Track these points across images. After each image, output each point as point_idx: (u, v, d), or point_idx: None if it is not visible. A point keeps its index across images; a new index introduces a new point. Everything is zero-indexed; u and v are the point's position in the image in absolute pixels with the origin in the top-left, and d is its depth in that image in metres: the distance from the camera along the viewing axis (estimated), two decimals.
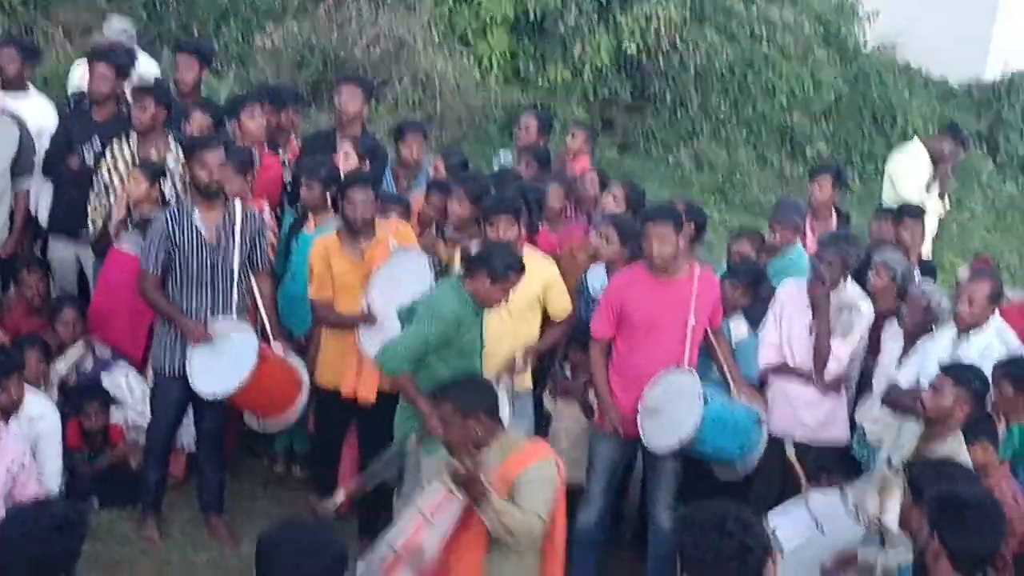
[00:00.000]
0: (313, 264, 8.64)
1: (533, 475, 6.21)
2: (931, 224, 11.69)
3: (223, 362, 8.25)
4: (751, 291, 8.68)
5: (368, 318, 8.35)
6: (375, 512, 8.80)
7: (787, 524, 7.11)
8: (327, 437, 8.73)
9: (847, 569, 6.90)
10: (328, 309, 8.63)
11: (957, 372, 7.12)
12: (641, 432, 8.05)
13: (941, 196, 12.19)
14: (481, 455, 6.21)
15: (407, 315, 7.85)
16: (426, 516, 6.14)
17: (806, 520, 7.10)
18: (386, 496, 8.51)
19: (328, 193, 9.10)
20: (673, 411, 7.95)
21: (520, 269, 7.71)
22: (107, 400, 8.90)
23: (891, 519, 6.79)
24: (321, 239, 8.73)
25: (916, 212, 10.01)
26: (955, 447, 6.85)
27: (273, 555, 4.13)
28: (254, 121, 9.70)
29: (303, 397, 8.61)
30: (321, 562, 4.19)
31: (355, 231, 8.54)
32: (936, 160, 12.03)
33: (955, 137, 12.27)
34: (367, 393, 8.37)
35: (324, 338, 8.71)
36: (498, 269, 7.60)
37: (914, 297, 8.46)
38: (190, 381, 8.32)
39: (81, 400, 8.84)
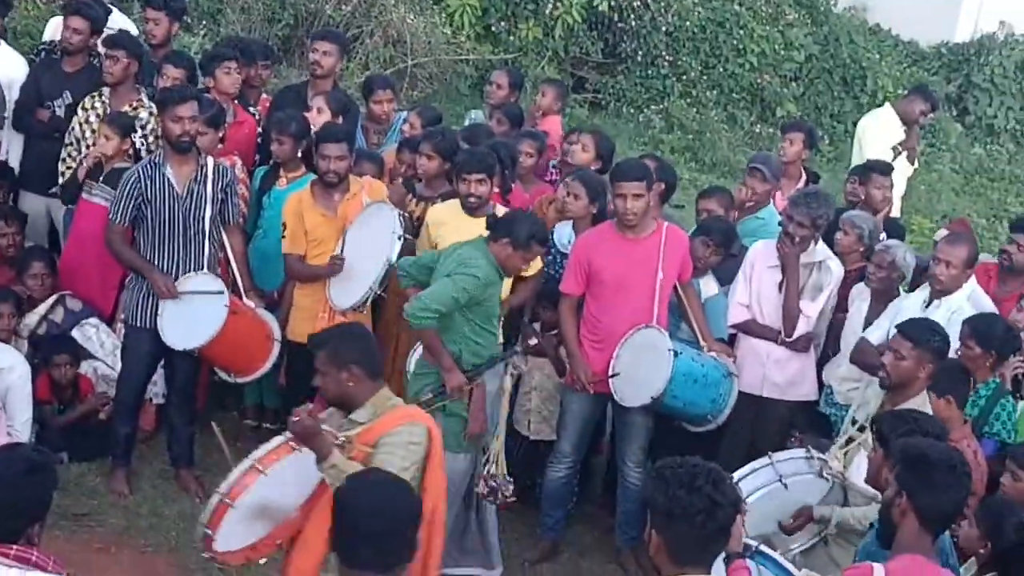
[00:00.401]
0: (286, 219, 8.64)
1: (395, 438, 5.86)
2: (899, 185, 11.71)
3: (194, 315, 8.25)
4: (722, 250, 8.70)
5: (336, 266, 8.37)
6: None
7: (750, 478, 7.15)
8: (298, 391, 8.72)
9: (803, 524, 6.97)
10: (300, 262, 8.64)
11: (915, 333, 7.02)
12: (612, 388, 8.10)
13: (911, 159, 12.20)
14: (356, 411, 5.99)
15: (415, 269, 7.92)
16: (257, 465, 5.88)
17: (770, 475, 7.14)
18: None
19: (299, 148, 9.10)
20: (644, 367, 7.99)
21: (544, 240, 7.74)
22: (77, 353, 8.88)
23: (855, 477, 6.87)
24: (295, 194, 8.74)
25: (884, 168, 10.09)
26: (919, 404, 6.86)
27: (349, 500, 4.07)
28: (229, 77, 9.66)
29: (274, 351, 8.62)
30: (398, 504, 4.15)
31: (329, 185, 8.54)
32: (907, 122, 12.03)
33: (925, 98, 12.23)
34: None
35: (296, 293, 8.73)
36: (521, 237, 7.60)
37: (879, 254, 8.48)
38: (161, 334, 8.31)
39: (51, 352, 8.81)
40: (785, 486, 7.02)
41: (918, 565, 4.99)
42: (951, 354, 7.58)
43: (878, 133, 12.03)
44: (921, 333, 7.02)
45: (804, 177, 10.64)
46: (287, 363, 8.80)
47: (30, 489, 4.51)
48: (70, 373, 8.83)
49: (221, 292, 8.34)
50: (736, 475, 7.05)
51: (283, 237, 8.71)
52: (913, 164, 12.34)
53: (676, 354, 7.96)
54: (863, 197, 9.70)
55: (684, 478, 4.49)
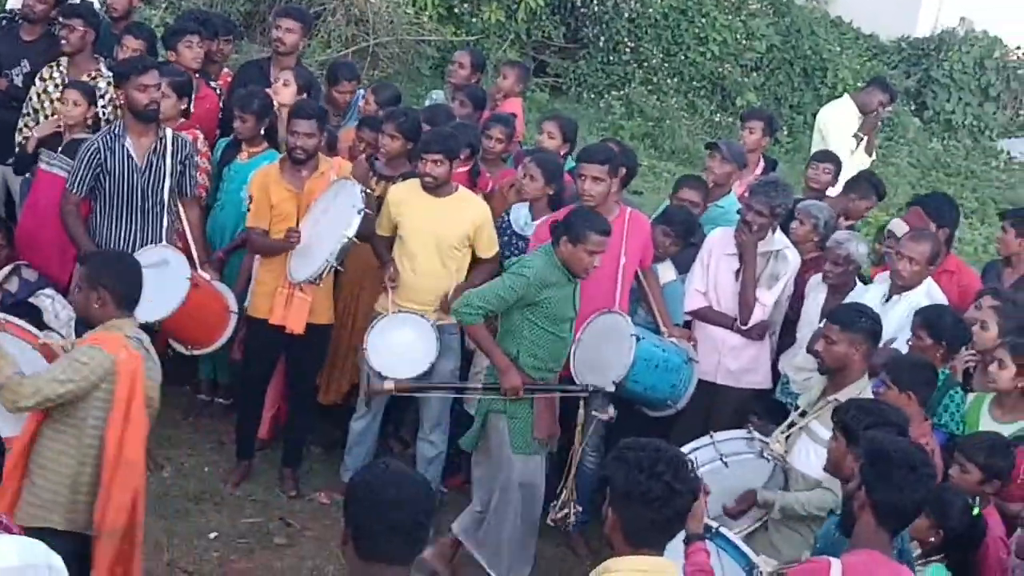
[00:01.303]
0: (252, 192, 8.59)
1: (73, 353, 6.08)
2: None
3: (155, 288, 8.20)
4: (682, 240, 8.73)
5: (292, 238, 8.31)
6: (299, 444, 8.90)
7: (691, 456, 7.16)
8: (254, 367, 8.72)
9: (747, 509, 7.02)
10: (261, 236, 8.58)
11: (844, 317, 7.09)
12: (574, 373, 8.09)
13: (868, 151, 12.27)
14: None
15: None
16: None
17: (711, 454, 7.17)
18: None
19: (262, 126, 9.07)
20: (606, 352, 8.00)
21: (604, 231, 7.63)
22: (39, 322, 8.82)
23: (797, 461, 6.92)
24: (262, 168, 8.70)
25: (823, 156, 10.35)
26: (861, 390, 6.91)
27: (370, 493, 4.06)
28: (191, 51, 9.60)
29: (231, 323, 8.60)
30: (419, 495, 4.14)
31: (296, 162, 8.49)
32: (865, 113, 12.13)
33: (884, 90, 12.34)
34: (295, 324, 8.38)
35: (260, 268, 8.69)
36: (577, 231, 7.53)
37: (832, 251, 8.51)
38: None
39: None
40: (726, 464, 7.11)
41: (875, 561, 5.02)
42: (903, 347, 7.67)
43: (840, 123, 12.12)
44: (848, 316, 7.10)
45: (762, 164, 10.67)
46: (245, 337, 8.76)
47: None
48: None
49: (182, 265, 8.29)
50: None
51: (247, 210, 8.68)
52: (871, 156, 12.40)
53: (638, 339, 7.97)
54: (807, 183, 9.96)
55: (645, 462, 4.52)
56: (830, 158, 10.33)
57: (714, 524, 5.99)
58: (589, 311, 8.07)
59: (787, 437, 7.10)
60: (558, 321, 7.73)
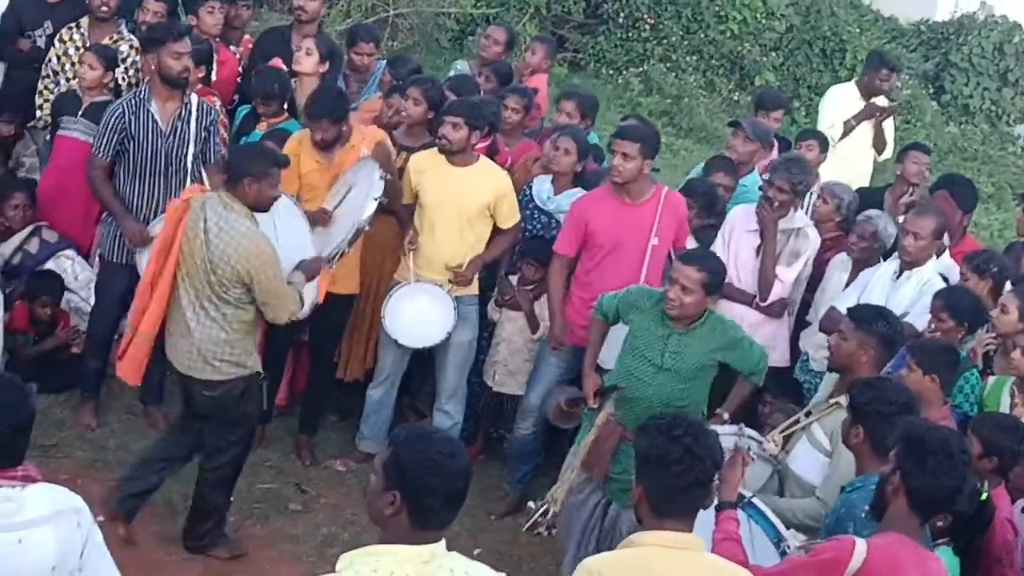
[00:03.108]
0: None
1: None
2: (864, 167, 11.57)
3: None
4: (705, 212, 8.73)
5: (323, 219, 8.22)
6: (316, 412, 8.89)
7: None
8: (277, 332, 8.68)
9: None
10: None
11: (862, 315, 6.94)
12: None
13: (879, 148, 11.66)
14: None
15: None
16: None
17: None
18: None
19: (283, 103, 9.11)
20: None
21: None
22: (61, 286, 8.85)
23: (796, 465, 6.82)
24: (296, 135, 8.62)
25: (807, 134, 10.41)
26: None
27: (434, 467, 4.07)
28: (212, 16, 9.61)
29: None
30: (467, 462, 4.18)
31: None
32: (872, 93, 11.63)
33: (880, 64, 11.68)
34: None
35: None
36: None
37: (861, 225, 8.52)
38: (140, 271, 8.19)
39: (38, 289, 8.81)
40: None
41: (902, 544, 4.99)
42: (923, 327, 7.65)
43: (831, 106, 11.66)
44: (866, 315, 6.94)
45: (776, 145, 10.55)
46: None
47: (27, 410, 4.50)
48: (52, 308, 8.82)
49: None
50: None
51: None
52: (881, 152, 11.83)
53: None
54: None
55: (664, 427, 4.58)
56: (814, 135, 10.30)
57: (748, 493, 5.95)
58: (614, 287, 8.01)
59: (786, 437, 6.95)
60: (635, 355, 7.28)
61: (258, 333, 8.72)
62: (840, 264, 8.61)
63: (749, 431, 6.99)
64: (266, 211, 7.25)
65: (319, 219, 8.21)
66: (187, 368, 7.27)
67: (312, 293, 7.71)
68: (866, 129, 11.50)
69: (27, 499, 4.39)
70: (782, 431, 6.96)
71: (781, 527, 5.98)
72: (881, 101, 11.57)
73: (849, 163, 11.07)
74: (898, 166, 9.93)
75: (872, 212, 8.71)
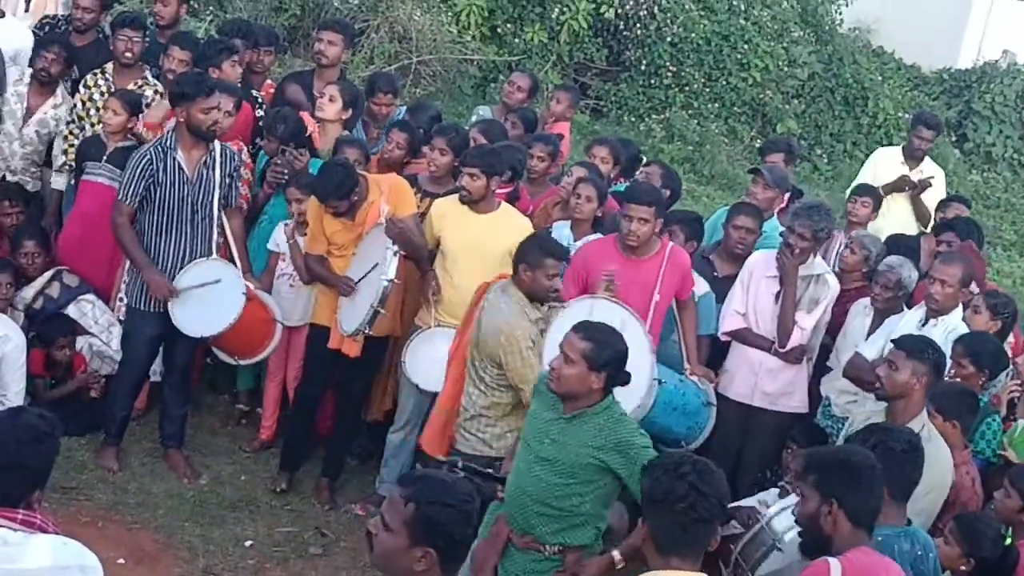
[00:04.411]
0: (308, 219, 8.59)
1: None
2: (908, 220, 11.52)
3: (209, 302, 8.22)
4: (694, 242, 8.94)
5: (345, 290, 8.32)
6: (299, 448, 8.93)
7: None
8: (315, 376, 8.68)
9: None
10: (319, 263, 8.59)
11: (911, 345, 6.93)
12: None
13: (923, 222, 11.35)
14: None
15: None
16: None
17: (765, 539, 6.74)
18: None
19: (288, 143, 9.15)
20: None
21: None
22: (75, 332, 8.87)
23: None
24: (314, 199, 8.59)
25: (862, 190, 10.36)
26: (919, 425, 6.69)
27: (459, 514, 4.09)
28: (235, 69, 9.64)
29: (277, 333, 8.66)
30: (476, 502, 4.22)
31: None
32: (915, 156, 11.55)
33: (920, 123, 11.83)
34: (351, 348, 8.35)
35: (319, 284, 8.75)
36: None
37: (884, 275, 8.50)
38: (174, 321, 8.28)
39: (50, 332, 8.81)
40: (780, 550, 6.57)
41: (867, 555, 5.09)
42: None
43: (872, 170, 11.73)
44: (916, 344, 6.95)
45: (788, 194, 10.50)
46: (308, 345, 8.80)
47: (34, 454, 4.48)
48: (69, 352, 8.85)
49: (236, 279, 8.33)
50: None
51: (303, 235, 8.72)
52: (928, 227, 11.18)
53: (660, 383, 7.80)
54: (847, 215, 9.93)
55: (669, 465, 4.60)
56: (869, 192, 10.29)
57: None
58: None
59: None
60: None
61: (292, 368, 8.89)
62: (862, 309, 8.59)
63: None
64: None
65: (344, 289, 8.32)
66: None
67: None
68: (902, 203, 11.51)
69: (29, 548, 4.30)
70: None
71: None
72: (927, 168, 11.60)
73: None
74: (938, 214, 9.98)
75: (893, 260, 8.67)
